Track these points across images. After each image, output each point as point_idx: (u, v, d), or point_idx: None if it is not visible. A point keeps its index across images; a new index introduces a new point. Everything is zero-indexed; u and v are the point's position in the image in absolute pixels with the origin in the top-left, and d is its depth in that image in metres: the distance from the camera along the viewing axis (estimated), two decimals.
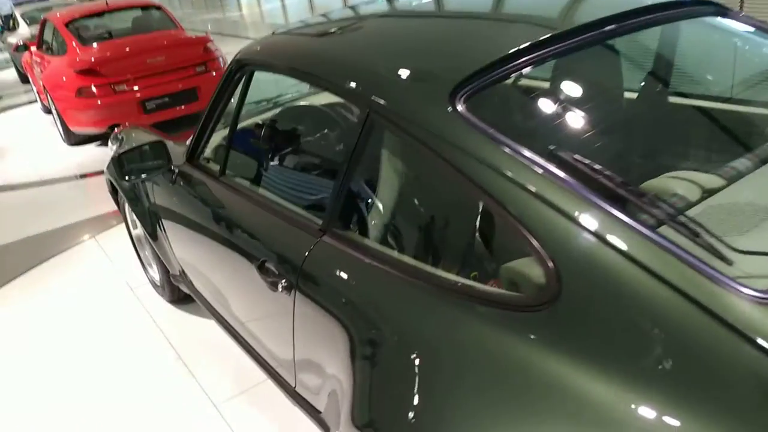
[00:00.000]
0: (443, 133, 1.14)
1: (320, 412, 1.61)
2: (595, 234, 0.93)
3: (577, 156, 1.07)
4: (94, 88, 5.16)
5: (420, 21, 1.65)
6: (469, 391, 1.00)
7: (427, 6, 1.79)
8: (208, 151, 2.10)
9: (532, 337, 0.96)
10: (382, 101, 1.27)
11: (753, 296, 0.82)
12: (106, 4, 5.93)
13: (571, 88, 1.43)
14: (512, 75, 1.24)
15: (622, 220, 0.93)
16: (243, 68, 1.80)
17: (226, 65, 6.05)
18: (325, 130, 2.06)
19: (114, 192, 2.93)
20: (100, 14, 5.98)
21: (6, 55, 11.36)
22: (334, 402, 1.40)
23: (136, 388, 2.38)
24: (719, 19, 1.58)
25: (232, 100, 1.91)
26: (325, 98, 2.49)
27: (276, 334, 1.71)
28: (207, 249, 2.01)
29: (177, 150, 2.22)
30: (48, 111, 6.79)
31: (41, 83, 6.24)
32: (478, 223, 1.18)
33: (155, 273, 2.93)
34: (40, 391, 2.46)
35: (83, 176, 5.22)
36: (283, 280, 1.49)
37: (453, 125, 1.13)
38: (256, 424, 2.10)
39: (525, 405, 0.93)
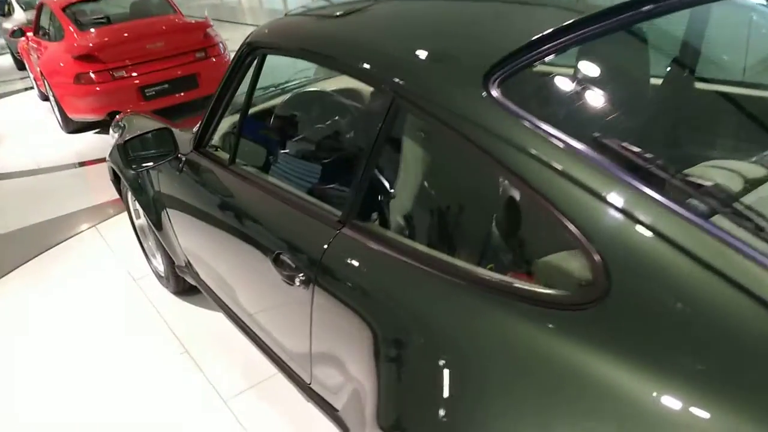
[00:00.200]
0: (477, 118, 1.07)
1: (337, 410, 1.55)
2: (645, 225, 0.87)
3: (621, 143, 1.01)
4: (92, 75, 5.06)
5: (443, 2, 1.57)
6: (509, 395, 0.94)
7: None
8: (216, 139, 2.02)
9: (579, 337, 0.90)
10: (408, 86, 1.20)
11: None
12: None
13: (605, 73, 1.35)
14: (545, 58, 1.17)
15: (672, 210, 0.87)
16: (254, 51, 1.72)
17: (226, 51, 5.96)
18: (340, 117, 1.98)
19: (116, 181, 2.85)
20: None
21: (1, 41, 11.18)
22: (355, 401, 1.35)
23: (141, 383, 2.32)
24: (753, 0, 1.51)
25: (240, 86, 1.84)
26: (336, 83, 2.41)
27: (291, 329, 1.64)
28: (216, 240, 1.94)
29: (183, 137, 2.14)
30: (45, 98, 6.68)
31: (38, 69, 6.13)
32: (514, 215, 1.11)
33: (159, 264, 2.87)
34: (43, 384, 2.40)
35: (82, 164, 5.13)
36: (301, 274, 1.43)
37: (488, 110, 1.07)
38: (266, 419, 2.04)
39: (574, 409, 0.87)
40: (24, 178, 4.99)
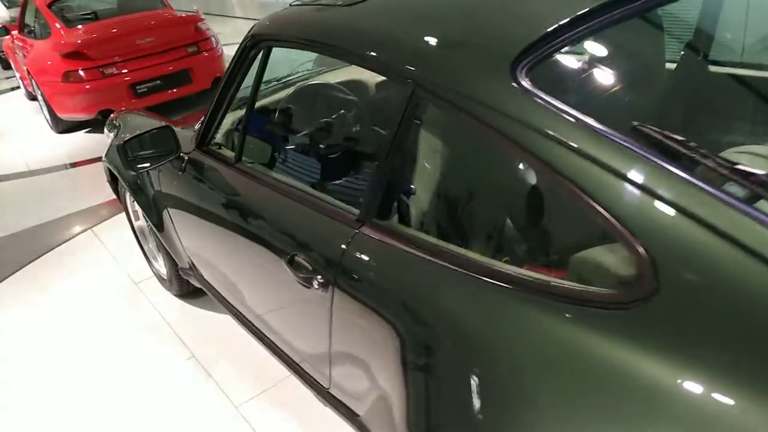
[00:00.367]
0: (506, 108, 1.01)
1: (358, 416, 1.50)
2: (692, 215, 0.81)
3: (660, 130, 0.95)
4: (81, 72, 4.94)
5: None
6: (550, 402, 0.89)
7: None
8: (219, 136, 1.94)
9: (626, 338, 0.84)
10: (430, 76, 1.13)
11: None
12: None
13: (631, 58, 1.29)
14: (571, 44, 1.11)
15: (719, 198, 0.81)
16: (259, 44, 1.65)
17: (219, 45, 5.85)
18: (351, 111, 1.91)
19: (113, 182, 2.77)
20: None
21: None
22: (380, 406, 1.29)
23: (149, 391, 2.25)
24: None
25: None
26: (338, 75, 2.34)
27: (308, 333, 1.58)
28: (223, 241, 1.87)
29: (184, 135, 2.06)
30: (33, 97, 6.54)
31: (25, 68, 6.00)
32: (548, 209, 1.05)
33: (161, 266, 2.79)
34: (46, 395, 2.32)
35: (73, 165, 5.02)
36: (319, 276, 1.36)
37: (517, 99, 1.01)
38: (280, 425, 1.98)
39: (625, 417, 0.81)
40: (13, 181, 4.87)
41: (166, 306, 2.73)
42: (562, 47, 1.10)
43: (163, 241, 2.41)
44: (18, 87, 7.61)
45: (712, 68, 1.56)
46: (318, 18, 1.51)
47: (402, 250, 1.20)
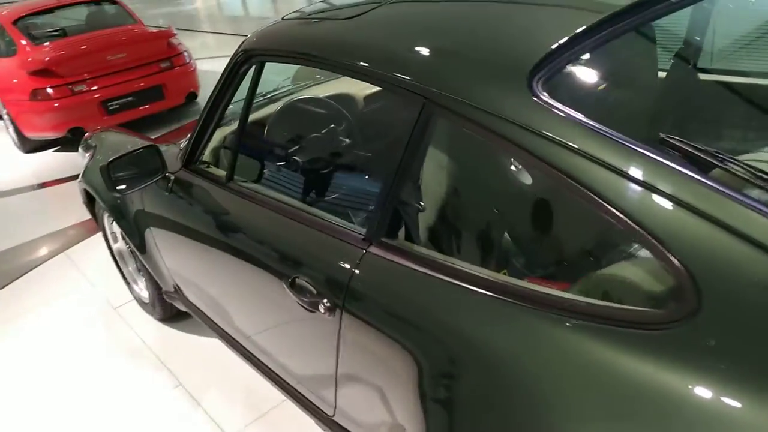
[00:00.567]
0: (526, 121, 0.97)
1: None
2: (728, 227, 0.78)
3: (689, 142, 0.93)
4: (50, 90, 4.79)
5: (459, 3, 1.46)
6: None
7: None
8: (206, 155, 1.87)
9: (670, 360, 0.80)
10: (442, 91, 1.09)
11: None
12: None
13: (647, 67, 1.27)
14: (584, 55, 1.09)
15: (755, 208, 0.78)
16: (251, 59, 1.58)
17: (192, 61, 5.76)
18: (349, 126, 1.85)
19: (90, 203, 2.65)
20: (50, 10, 5.56)
21: None
22: None
23: (135, 422, 2.13)
24: None
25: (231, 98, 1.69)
26: (325, 89, 2.29)
27: (311, 357, 1.51)
28: (214, 263, 1.79)
29: (168, 153, 1.98)
30: None
31: None
32: (572, 224, 1.02)
33: (142, 290, 2.68)
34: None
35: (42, 185, 4.84)
36: (325, 300, 1.30)
37: (537, 112, 0.98)
38: None
39: None
40: None
41: (148, 331, 2.62)
42: (575, 58, 1.08)
43: (146, 264, 2.31)
44: None
45: (734, 78, 1.55)
46: (316, 32, 1.46)
47: (416, 271, 1.14)
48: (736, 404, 0.74)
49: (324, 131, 1.85)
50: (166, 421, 2.11)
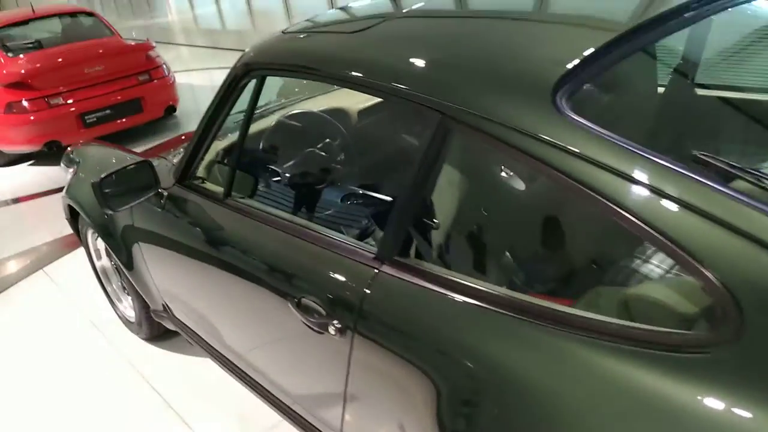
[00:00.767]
0: (552, 136, 0.95)
1: None
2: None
3: (713, 155, 0.92)
4: (25, 103, 4.69)
5: (471, 19, 1.45)
6: None
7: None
8: (200, 170, 1.82)
9: (716, 386, 0.78)
10: (461, 106, 1.07)
11: None
12: (32, 11, 5.41)
13: (671, 79, 1.27)
14: (608, 69, 1.08)
15: None
16: (251, 73, 1.55)
17: (171, 73, 5.69)
18: (341, 140, 1.82)
19: (73, 218, 2.57)
20: (24, 22, 5.45)
21: None
22: None
23: None
24: None
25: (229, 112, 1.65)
26: (320, 103, 2.26)
27: (316, 380, 1.47)
28: (210, 282, 1.73)
29: (160, 169, 1.92)
30: None
31: None
32: (600, 245, 1.00)
33: (127, 308, 2.60)
34: None
35: (17, 201, 4.70)
36: (335, 321, 1.26)
37: (562, 128, 0.96)
38: None
39: None
40: None
41: (134, 352, 2.53)
42: (597, 74, 1.07)
43: (133, 282, 2.24)
44: None
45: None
46: (321, 46, 1.43)
47: (433, 291, 1.11)
48: None
49: (326, 146, 1.82)
50: None
